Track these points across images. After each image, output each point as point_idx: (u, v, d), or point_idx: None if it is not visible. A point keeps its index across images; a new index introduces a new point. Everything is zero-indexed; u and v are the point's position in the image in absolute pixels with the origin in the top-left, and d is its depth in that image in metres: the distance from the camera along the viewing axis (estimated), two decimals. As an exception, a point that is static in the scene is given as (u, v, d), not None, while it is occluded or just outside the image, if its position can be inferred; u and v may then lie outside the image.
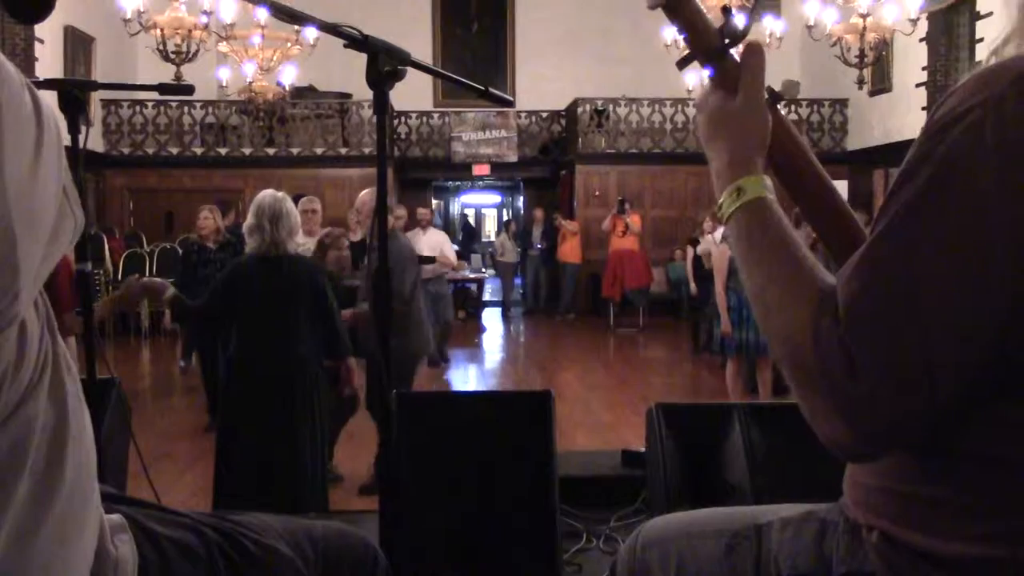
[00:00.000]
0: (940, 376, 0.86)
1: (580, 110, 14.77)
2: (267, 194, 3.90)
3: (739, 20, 1.14)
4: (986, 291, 0.85)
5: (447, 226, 21.18)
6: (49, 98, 1.13)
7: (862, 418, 0.88)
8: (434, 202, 15.36)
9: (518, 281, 16.15)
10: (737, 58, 1.13)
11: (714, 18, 1.14)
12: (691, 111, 14.59)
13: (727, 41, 1.12)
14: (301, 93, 13.81)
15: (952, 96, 0.90)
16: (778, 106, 1.17)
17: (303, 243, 6.03)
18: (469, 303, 14.23)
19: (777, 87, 1.17)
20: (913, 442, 0.94)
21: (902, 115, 12.26)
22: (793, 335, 0.93)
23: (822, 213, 1.22)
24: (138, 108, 14.11)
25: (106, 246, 11.92)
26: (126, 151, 14.13)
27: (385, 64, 1.62)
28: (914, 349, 0.86)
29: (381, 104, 1.66)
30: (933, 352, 0.85)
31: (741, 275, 1.07)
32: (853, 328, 0.88)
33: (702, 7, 1.14)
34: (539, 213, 15.19)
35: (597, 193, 14.54)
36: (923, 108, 11.46)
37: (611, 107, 14.84)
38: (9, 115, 0.74)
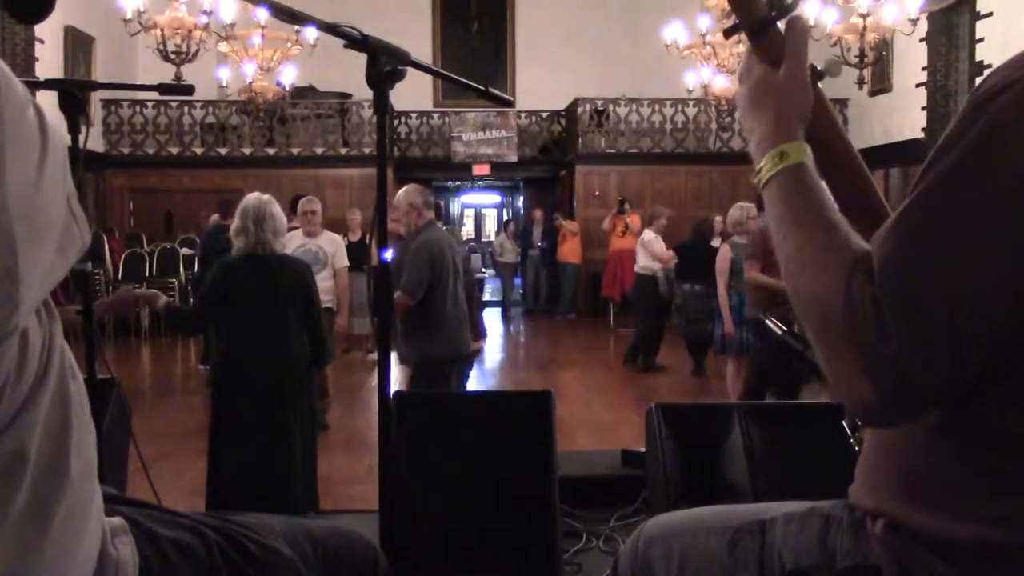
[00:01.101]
0: (964, 340, 0.86)
1: (580, 110, 14.77)
2: (252, 197, 3.96)
3: None
4: (1013, 263, 0.85)
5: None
6: (49, 98, 1.13)
7: (888, 377, 0.88)
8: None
9: (518, 281, 16.14)
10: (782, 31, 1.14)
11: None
12: (691, 111, 14.60)
13: (774, 13, 1.12)
14: (301, 93, 13.80)
15: (995, 72, 0.90)
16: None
17: (303, 244, 6.06)
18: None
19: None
20: (936, 405, 0.94)
21: (902, 115, 12.25)
22: (826, 295, 0.93)
23: (853, 194, 1.22)
24: (138, 108, 14.11)
25: (106, 246, 11.93)
26: (126, 151, 14.12)
27: (385, 64, 1.62)
28: (942, 312, 0.86)
29: (381, 104, 1.65)
30: (959, 316, 0.86)
31: (775, 238, 1.06)
32: (885, 287, 0.89)
33: None
34: (539, 213, 15.20)
35: (597, 193, 14.53)
36: (923, 108, 11.45)
37: (611, 107, 14.83)
38: (11, 131, 0.75)
